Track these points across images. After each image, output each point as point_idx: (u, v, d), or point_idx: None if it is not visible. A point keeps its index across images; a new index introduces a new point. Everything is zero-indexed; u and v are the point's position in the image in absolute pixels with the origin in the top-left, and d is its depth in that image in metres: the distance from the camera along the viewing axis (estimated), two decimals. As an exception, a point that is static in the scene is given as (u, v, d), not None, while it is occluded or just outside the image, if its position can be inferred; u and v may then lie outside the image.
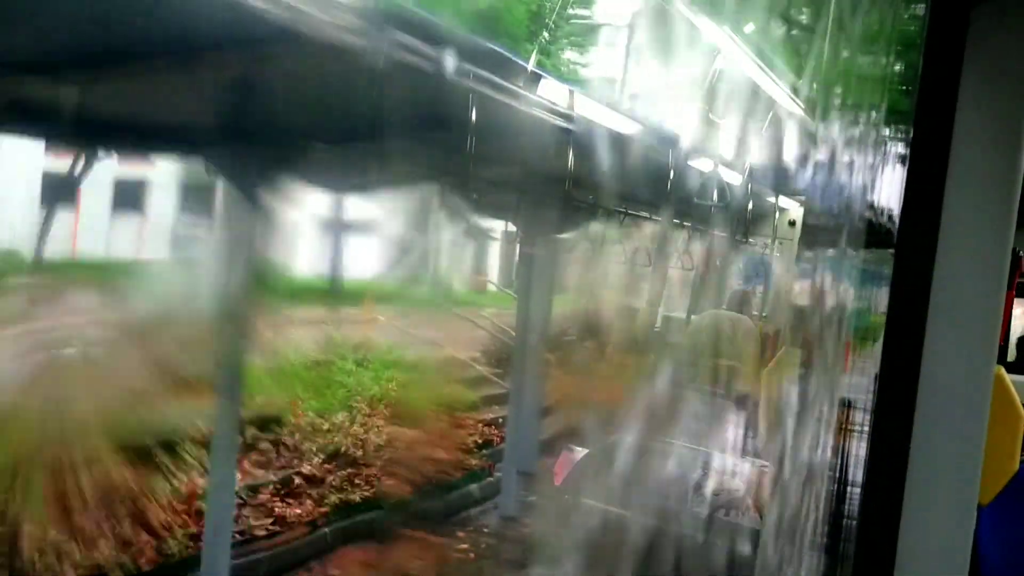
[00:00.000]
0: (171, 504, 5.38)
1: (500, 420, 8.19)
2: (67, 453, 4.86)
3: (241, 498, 5.71)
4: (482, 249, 11.49)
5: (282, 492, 6.18)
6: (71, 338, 5.40)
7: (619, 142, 5.01)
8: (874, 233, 1.76)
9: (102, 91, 3.93)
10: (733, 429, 3.74)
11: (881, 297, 1.41)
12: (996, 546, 2.57)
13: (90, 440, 5.01)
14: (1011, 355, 6.47)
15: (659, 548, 2.99)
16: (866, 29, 1.95)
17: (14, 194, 6.04)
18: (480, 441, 8.03)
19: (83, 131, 4.32)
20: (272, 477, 6.25)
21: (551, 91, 4.79)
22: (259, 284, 5.34)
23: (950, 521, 1.21)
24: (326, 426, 6.91)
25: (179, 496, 5.45)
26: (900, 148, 1.44)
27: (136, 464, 5.27)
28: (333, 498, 6.33)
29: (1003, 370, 1.24)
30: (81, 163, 4.99)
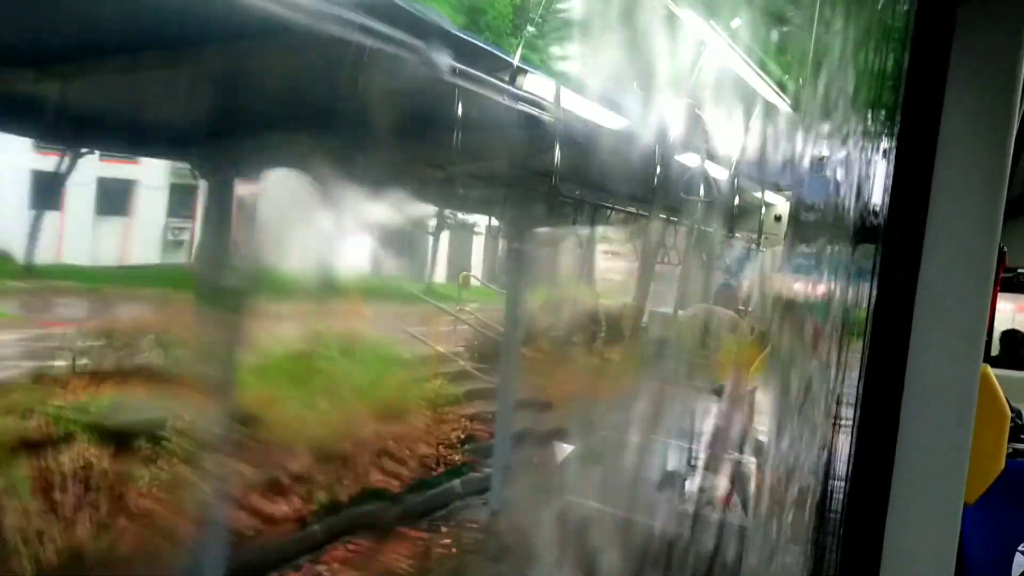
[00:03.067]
0: (159, 501, 5.35)
1: (484, 415, 8.18)
2: (64, 454, 4.83)
3: (230, 495, 5.68)
4: (467, 244, 11.46)
5: (268, 489, 6.16)
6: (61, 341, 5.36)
7: (605, 137, 4.99)
8: (860, 229, 1.75)
9: (82, 87, 3.89)
10: (719, 424, 3.74)
11: (867, 292, 1.40)
12: (980, 544, 2.57)
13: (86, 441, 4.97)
14: (995, 349, 6.53)
15: (645, 543, 2.99)
16: (853, 24, 1.94)
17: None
18: (463, 436, 8.02)
19: (63, 128, 4.28)
20: (258, 474, 6.22)
21: (537, 85, 4.77)
22: (243, 278, 5.30)
23: (936, 520, 1.20)
24: (310, 420, 6.88)
25: (168, 492, 5.42)
26: (887, 144, 1.43)
27: (127, 462, 5.24)
28: (319, 494, 6.31)
29: (989, 368, 1.23)
30: (66, 161, 4.93)
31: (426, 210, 9.09)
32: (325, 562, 5.83)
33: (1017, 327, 7.12)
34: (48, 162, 5.20)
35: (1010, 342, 6.72)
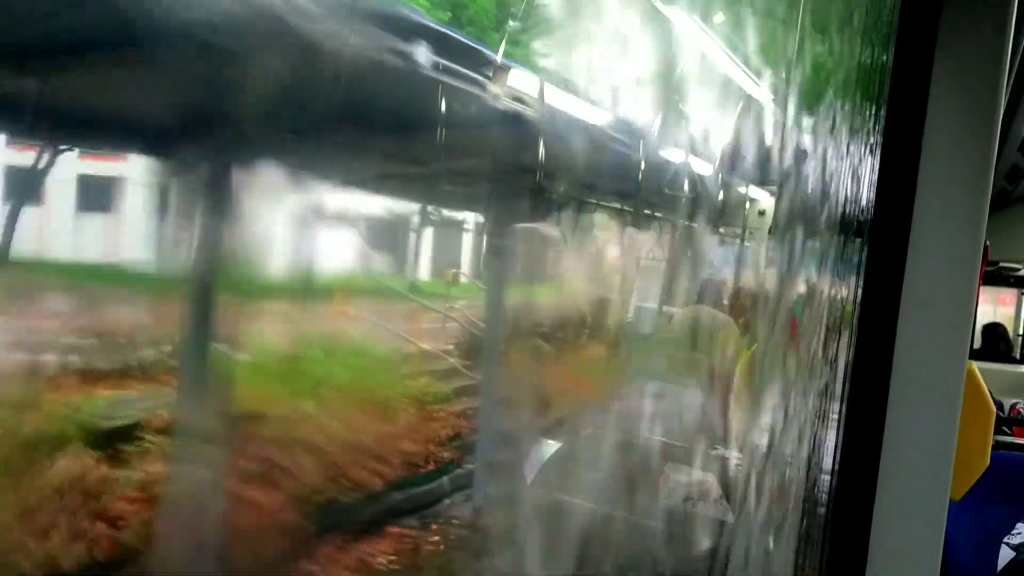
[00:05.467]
0: (138, 497, 5.32)
1: (471, 412, 8.18)
2: (32, 450, 4.78)
3: (217, 494, 5.64)
4: (455, 241, 11.44)
5: (256, 487, 6.12)
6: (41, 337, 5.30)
7: (590, 132, 4.99)
8: (846, 224, 1.76)
9: (62, 83, 3.85)
10: (705, 420, 3.74)
11: (853, 288, 1.40)
12: (965, 537, 2.59)
13: (56, 436, 4.93)
14: (977, 342, 6.61)
15: (629, 541, 2.98)
16: (838, 17, 1.93)
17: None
18: (451, 433, 8.02)
19: (43, 124, 4.23)
20: (246, 472, 6.18)
21: (520, 81, 4.75)
22: (227, 277, 5.26)
23: (922, 516, 1.20)
24: (296, 418, 6.85)
25: (147, 490, 5.38)
26: (872, 138, 1.43)
27: (101, 458, 5.20)
28: (305, 491, 6.29)
29: (974, 365, 1.23)
30: (44, 158, 4.88)
31: (411, 207, 9.06)
32: (313, 560, 5.82)
33: (999, 320, 7.20)
34: (27, 158, 5.15)
35: (991, 336, 6.80)
